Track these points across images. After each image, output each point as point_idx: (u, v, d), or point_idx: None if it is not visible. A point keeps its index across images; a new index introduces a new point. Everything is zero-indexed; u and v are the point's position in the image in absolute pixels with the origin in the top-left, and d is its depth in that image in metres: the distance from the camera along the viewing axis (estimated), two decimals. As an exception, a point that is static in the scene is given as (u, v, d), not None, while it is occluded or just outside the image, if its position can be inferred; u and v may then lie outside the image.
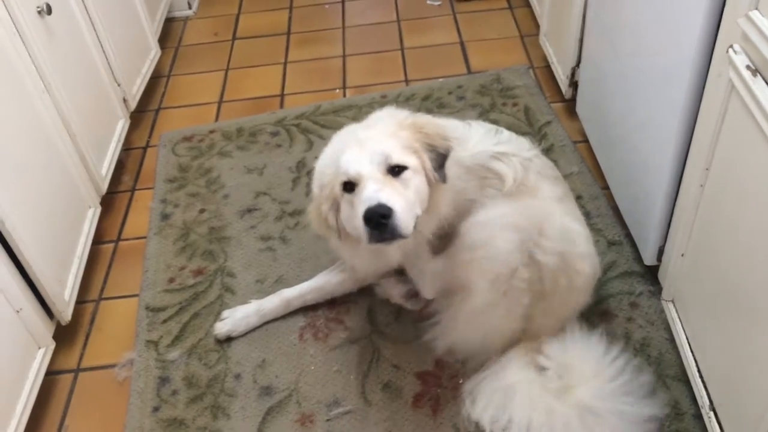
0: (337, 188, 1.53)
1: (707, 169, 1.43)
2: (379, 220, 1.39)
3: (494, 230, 1.62)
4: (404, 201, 1.45)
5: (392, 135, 1.54)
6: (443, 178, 1.54)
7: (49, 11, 1.97)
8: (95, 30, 2.36)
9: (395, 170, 1.48)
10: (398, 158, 1.49)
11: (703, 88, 1.48)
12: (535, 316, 1.66)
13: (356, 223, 1.46)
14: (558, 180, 1.79)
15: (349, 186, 1.49)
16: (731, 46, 1.30)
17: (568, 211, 1.71)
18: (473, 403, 1.63)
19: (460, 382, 1.72)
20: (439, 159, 1.54)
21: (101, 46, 2.40)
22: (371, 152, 1.49)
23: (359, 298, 1.96)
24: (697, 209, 1.50)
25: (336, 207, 1.56)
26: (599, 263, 1.76)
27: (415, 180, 1.50)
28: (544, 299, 1.64)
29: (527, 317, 1.66)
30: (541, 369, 1.64)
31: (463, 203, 1.66)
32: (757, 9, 1.21)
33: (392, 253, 1.64)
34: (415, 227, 1.49)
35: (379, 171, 1.47)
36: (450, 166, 1.58)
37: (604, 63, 2.13)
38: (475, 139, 1.72)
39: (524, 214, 1.62)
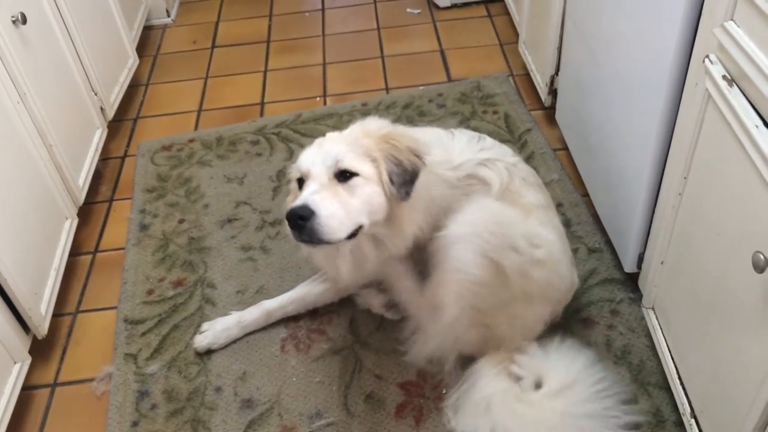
0: (294, 183, 1.59)
1: (685, 177, 1.44)
2: (297, 221, 1.42)
3: (454, 243, 1.57)
4: (340, 207, 1.46)
5: (353, 141, 1.55)
6: (403, 196, 1.52)
7: (24, 21, 1.94)
8: (72, 39, 2.34)
9: (345, 175, 1.50)
10: (348, 164, 1.50)
11: (681, 97, 1.49)
12: (497, 325, 1.65)
13: None
14: (541, 187, 1.79)
15: (301, 183, 1.54)
16: (707, 56, 1.31)
17: (547, 220, 1.72)
18: (455, 415, 1.62)
19: (444, 392, 1.72)
20: (405, 175, 1.52)
21: (78, 55, 2.37)
22: (324, 154, 1.53)
23: (341, 309, 1.95)
24: (675, 217, 1.51)
25: None
26: (576, 274, 1.76)
27: (366, 189, 1.51)
28: (508, 305, 1.62)
29: (487, 325, 1.65)
30: (517, 378, 1.63)
31: (448, 215, 1.65)
32: (732, 20, 1.23)
33: (340, 261, 1.63)
34: (375, 239, 1.54)
35: (326, 173, 1.50)
36: (431, 185, 1.58)
37: (582, 71, 2.14)
38: (458, 148, 1.72)
39: (483, 217, 1.59)
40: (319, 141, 1.61)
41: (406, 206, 1.56)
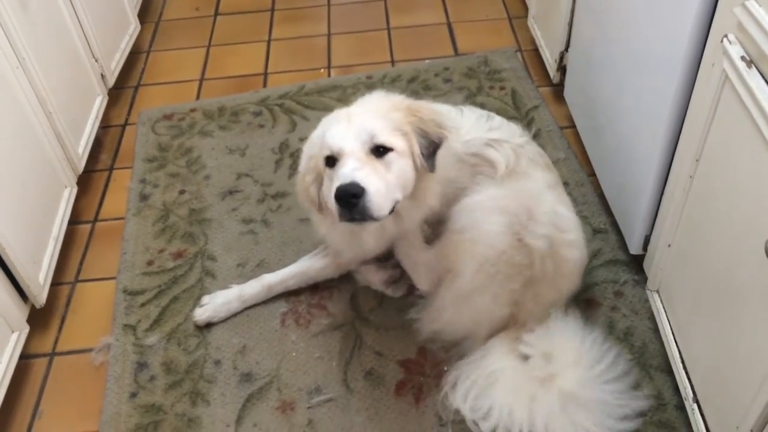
0: (321, 162, 1.53)
1: (697, 160, 1.41)
2: (350, 200, 1.38)
3: (482, 213, 1.59)
4: (382, 183, 1.43)
5: (383, 115, 1.52)
6: (431, 167, 1.51)
7: (23, -17, 1.90)
8: (72, 3, 2.28)
9: (380, 150, 1.47)
10: (384, 138, 1.47)
11: (695, 77, 1.46)
12: (525, 302, 1.64)
13: (331, 199, 1.44)
14: (549, 167, 1.77)
15: (332, 161, 1.49)
16: (726, 36, 1.27)
17: (558, 199, 1.70)
18: (453, 390, 1.62)
19: (445, 369, 1.71)
20: (431, 147, 1.51)
21: (78, 20, 2.32)
22: (357, 129, 1.48)
23: (342, 284, 1.93)
24: (685, 200, 1.49)
25: (319, 181, 1.56)
26: (586, 251, 1.75)
27: (400, 163, 1.48)
28: (534, 285, 1.62)
29: (516, 303, 1.64)
30: (524, 357, 1.62)
31: (455, 191, 1.64)
32: (754, -2, 1.19)
33: (366, 237, 1.61)
34: (395, 212, 1.50)
35: (362, 149, 1.46)
36: (443, 155, 1.56)
37: (593, 48, 2.10)
38: (467, 126, 1.69)
39: (513, 197, 1.60)
40: (344, 115, 1.55)
41: (429, 178, 1.55)
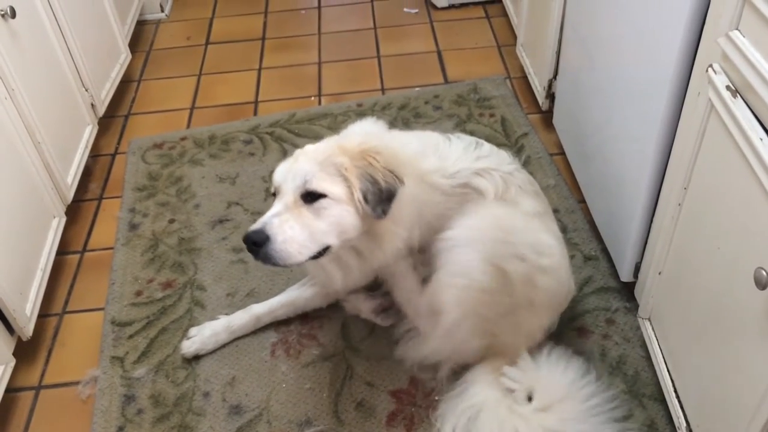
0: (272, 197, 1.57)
1: (685, 188, 1.42)
2: (251, 246, 1.42)
3: (459, 248, 1.56)
4: (301, 231, 1.44)
5: (325, 159, 1.51)
6: (379, 215, 1.49)
7: (13, 15, 1.90)
8: (62, 33, 2.29)
9: (312, 196, 1.47)
10: (316, 185, 1.48)
11: (682, 105, 1.47)
12: (502, 333, 1.63)
13: None
14: (538, 195, 1.77)
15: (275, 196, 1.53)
16: (711, 66, 1.28)
17: (545, 228, 1.69)
18: (443, 424, 1.59)
19: (436, 399, 1.69)
20: (381, 194, 1.49)
21: (69, 50, 2.33)
22: (294, 172, 1.50)
23: (333, 313, 1.92)
24: (675, 228, 1.49)
25: None
26: (573, 280, 1.73)
27: (335, 210, 1.48)
28: (512, 313, 1.60)
29: (494, 334, 1.63)
30: (509, 390, 1.61)
31: (443, 224, 1.62)
32: (737, 29, 1.20)
33: (331, 271, 1.61)
34: (357, 252, 1.55)
35: (292, 193, 1.48)
36: (425, 193, 1.56)
37: (581, 76, 2.11)
38: (455, 155, 1.69)
39: (488, 224, 1.58)
40: (296, 154, 1.58)
41: (388, 221, 1.53)
